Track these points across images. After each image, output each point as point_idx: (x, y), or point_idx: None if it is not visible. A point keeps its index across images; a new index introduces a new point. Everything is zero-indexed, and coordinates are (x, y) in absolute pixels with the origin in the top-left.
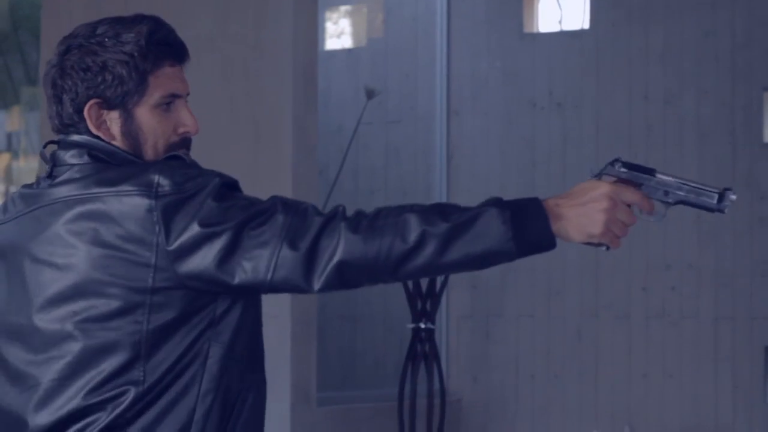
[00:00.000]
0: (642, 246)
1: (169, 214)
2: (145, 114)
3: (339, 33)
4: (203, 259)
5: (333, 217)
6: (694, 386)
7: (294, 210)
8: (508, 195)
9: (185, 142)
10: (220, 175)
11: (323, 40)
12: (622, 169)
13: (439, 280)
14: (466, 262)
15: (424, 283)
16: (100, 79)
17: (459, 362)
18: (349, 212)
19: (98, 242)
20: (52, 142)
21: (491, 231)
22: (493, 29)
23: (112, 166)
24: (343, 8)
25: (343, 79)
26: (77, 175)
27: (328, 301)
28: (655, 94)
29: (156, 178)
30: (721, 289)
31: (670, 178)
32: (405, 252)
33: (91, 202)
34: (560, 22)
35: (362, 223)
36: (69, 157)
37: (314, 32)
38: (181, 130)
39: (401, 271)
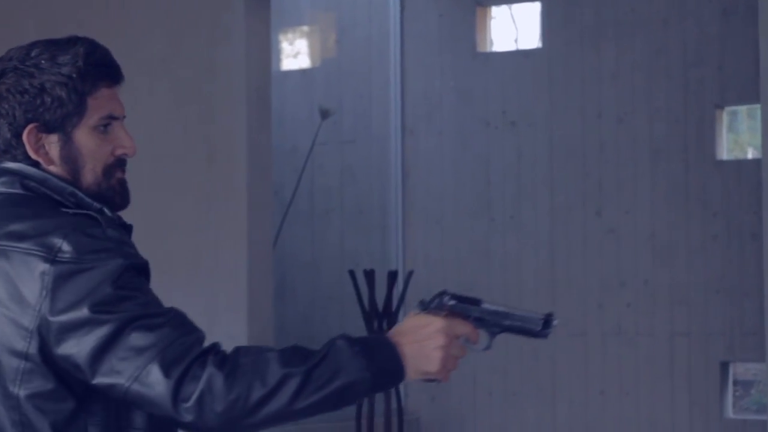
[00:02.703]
0: (597, 263)
1: (59, 283)
2: (83, 137)
3: (295, 53)
4: (79, 345)
5: (208, 351)
6: (650, 403)
7: (185, 332)
8: (464, 213)
9: (121, 163)
10: (126, 255)
11: (279, 60)
12: (451, 302)
13: (396, 297)
14: (324, 401)
15: (380, 302)
16: (38, 101)
17: (416, 381)
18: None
19: None
20: None
21: (347, 364)
22: (447, 49)
23: (33, 207)
24: (299, 29)
25: (297, 100)
26: None
27: (285, 322)
28: (608, 112)
29: (59, 242)
30: (676, 306)
31: (495, 308)
32: (264, 395)
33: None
34: (516, 40)
35: (229, 360)
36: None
37: (267, 53)
38: (118, 151)
39: (260, 414)
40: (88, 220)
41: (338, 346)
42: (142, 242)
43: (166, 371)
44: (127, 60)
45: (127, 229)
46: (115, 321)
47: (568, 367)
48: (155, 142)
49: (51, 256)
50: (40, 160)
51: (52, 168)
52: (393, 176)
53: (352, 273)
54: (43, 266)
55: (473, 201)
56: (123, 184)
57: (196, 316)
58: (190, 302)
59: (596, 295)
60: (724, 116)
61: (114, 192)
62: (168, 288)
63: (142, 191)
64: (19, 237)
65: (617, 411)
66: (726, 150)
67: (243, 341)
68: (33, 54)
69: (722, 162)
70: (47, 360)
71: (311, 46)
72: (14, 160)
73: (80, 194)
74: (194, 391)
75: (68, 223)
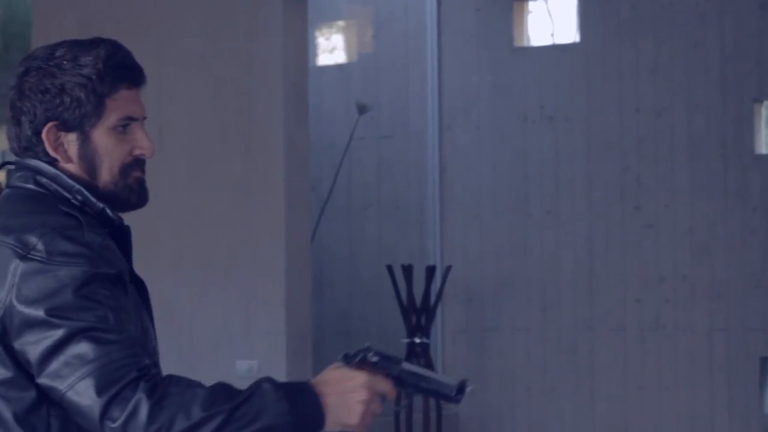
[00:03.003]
0: (635, 258)
1: (25, 278)
2: (101, 136)
3: (331, 48)
4: (32, 343)
5: (142, 376)
6: (690, 398)
7: (131, 354)
8: (501, 208)
9: (139, 163)
10: (97, 264)
11: (315, 55)
12: (375, 358)
13: (434, 292)
14: None
15: (418, 297)
16: (58, 101)
17: (454, 376)
18: None
19: None
20: (9, 163)
21: (270, 407)
22: (484, 44)
23: (35, 204)
24: (336, 24)
25: (334, 95)
26: (4, 207)
27: (322, 317)
28: (646, 107)
29: (35, 241)
30: (715, 301)
31: (414, 369)
32: (186, 428)
33: None
34: (552, 35)
35: (159, 388)
36: (16, 179)
37: (304, 48)
38: (136, 152)
39: None
40: (72, 222)
41: (264, 389)
42: (179, 237)
43: (99, 389)
44: (165, 55)
45: (125, 231)
46: (67, 328)
47: (606, 362)
48: (193, 137)
49: (24, 252)
50: (58, 157)
51: (69, 166)
52: (430, 171)
53: (390, 268)
54: (16, 262)
55: (511, 196)
56: (141, 183)
57: (233, 311)
58: (228, 297)
59: (635, 291)
60: (763, 110)
61: (131, 190)
62: (205, 283)
63: (180, 186)
64: (8, 231)
65: (656, 406)
66: (765, 144)
67: (281, 337)
68: (57, 54)
69: (761, 156)
70: (7, 349)
71: (348, 41)
72: (36, 157)
73: (86, 193)
74: (121, 414)
75: (51, 223)
